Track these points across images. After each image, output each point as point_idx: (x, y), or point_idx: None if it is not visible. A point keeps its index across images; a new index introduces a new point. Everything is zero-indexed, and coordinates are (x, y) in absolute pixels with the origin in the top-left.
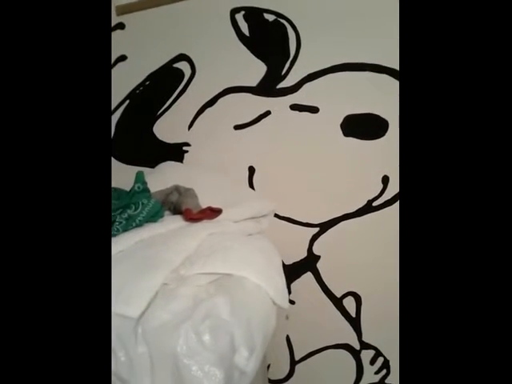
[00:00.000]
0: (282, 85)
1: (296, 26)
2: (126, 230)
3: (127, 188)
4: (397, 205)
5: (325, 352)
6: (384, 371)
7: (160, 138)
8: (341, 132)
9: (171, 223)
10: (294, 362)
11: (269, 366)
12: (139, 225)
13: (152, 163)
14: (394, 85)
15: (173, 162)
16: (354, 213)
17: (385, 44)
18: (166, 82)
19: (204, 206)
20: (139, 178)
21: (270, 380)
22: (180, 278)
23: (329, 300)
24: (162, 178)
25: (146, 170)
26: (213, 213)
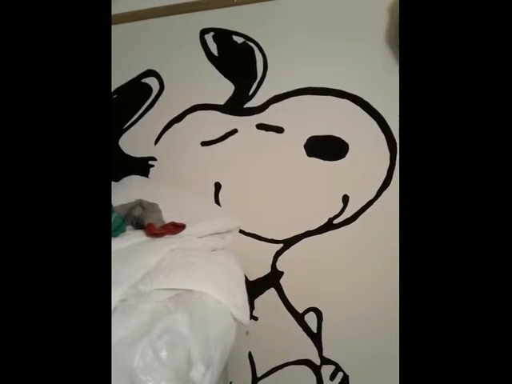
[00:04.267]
0: (249, 104)
1: (263, 49)
2: None
3: None
4: (356, 222)
5: (286, 368)
6: None
7: (126, 152)
8: (304, 152)
9: (133, 238)
10: (255, 379)
11: None
12: None
13: (117, 177)
14: (354, 109)
15: (138, 177)
16: (315, 230)
17: (347, 71)
18: (133, 97)
19: (168, 221)
20: None
21: None
22: (139, 294)
23: (291, 316)
24: (127, 192)
25: None
26: (175, 228)
